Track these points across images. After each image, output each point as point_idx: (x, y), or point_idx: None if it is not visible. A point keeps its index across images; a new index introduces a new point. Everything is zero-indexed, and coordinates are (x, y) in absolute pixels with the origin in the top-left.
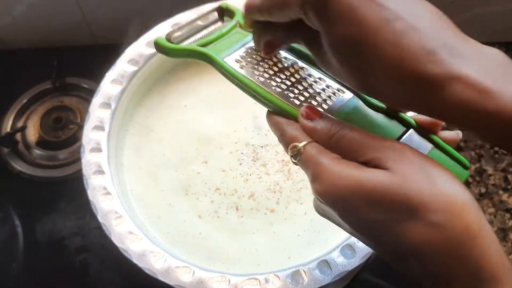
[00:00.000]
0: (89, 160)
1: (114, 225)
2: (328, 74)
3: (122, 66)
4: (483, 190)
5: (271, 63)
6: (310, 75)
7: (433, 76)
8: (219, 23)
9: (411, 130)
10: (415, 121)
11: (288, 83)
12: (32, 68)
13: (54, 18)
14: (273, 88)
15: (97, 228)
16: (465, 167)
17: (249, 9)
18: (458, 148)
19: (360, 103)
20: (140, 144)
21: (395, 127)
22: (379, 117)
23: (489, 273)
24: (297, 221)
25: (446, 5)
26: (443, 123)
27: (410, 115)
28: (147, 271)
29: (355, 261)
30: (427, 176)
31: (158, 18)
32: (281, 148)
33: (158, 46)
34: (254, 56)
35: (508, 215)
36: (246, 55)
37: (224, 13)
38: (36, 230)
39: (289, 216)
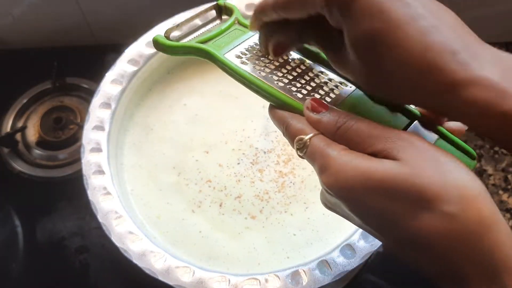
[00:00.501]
0: (89, 160)
1: (114, 225)
2: (331, 68)
3: (122, 66)
4: None
5: (272, 58)
6: (311, 69)
7: (456, 76)
8: (217, 21)
9: (416, 122)
10: (420, 112)
11: (290, 77)
12: (32, 68)
13: (54, 18)
14: (275, 82)
15: (97, 228)
16: (472, 157)
17: (262, 7)
18: None
19: (363, 95)
20: (140, 144)
21: (400, 119)
22: (383, 109)
23: (504, 264)
24: (275, 232)
25: (446, 5)
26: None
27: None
28: (147, 271)
29: (355, 261)
30: (439, 165)
31: (158, 18)
32: (282, 158)
33: (157, 44)
34: (254, 52)
35: (508, 215)
36: (246, 51)
37: (222, 10)
38: (36, 230)
39: (268, 225)
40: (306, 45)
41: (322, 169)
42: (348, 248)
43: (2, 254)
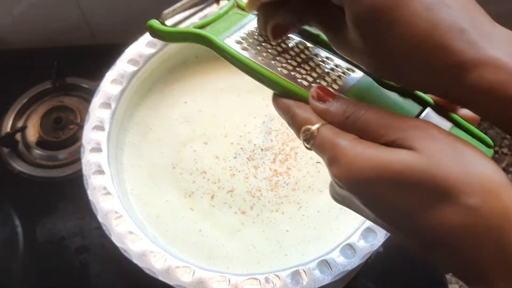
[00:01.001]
0: (89, 160)
1: (114, 225)
2: (337, 54)
3: (122, 66)
4: None
5: (274, 43)
6: (316, 55)
7: (463, 57)
8: (215, 6)
9: (428, 109)
10: (432, 99)
11: (294, 63)
12: (32, 68)
13: (54, 18)
14: (279, 69)
15: (97, 228)
16: (488, 146)
17: None
18: None
19: (372, 81)
20: (140, 144)
21: (411, 106)
22: (393, 96)
23: None
24: (269, 230)
25: None
26: None
27: None
28: (147, 271)
29: (355, 261)
30: (458, 155)
31: (158, 18)
32: (279, 157)
33: (152, 30)
34: (255, 37)
35: None
36: (247, 36)
37: None
38: (36, 230)
39: (259, 222)
40: (306, 27)
41: (332, 160)
42: (348, 248)
43: (2, 254)
